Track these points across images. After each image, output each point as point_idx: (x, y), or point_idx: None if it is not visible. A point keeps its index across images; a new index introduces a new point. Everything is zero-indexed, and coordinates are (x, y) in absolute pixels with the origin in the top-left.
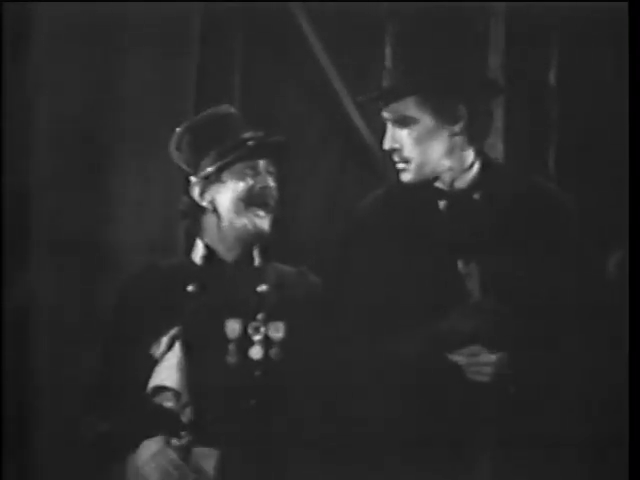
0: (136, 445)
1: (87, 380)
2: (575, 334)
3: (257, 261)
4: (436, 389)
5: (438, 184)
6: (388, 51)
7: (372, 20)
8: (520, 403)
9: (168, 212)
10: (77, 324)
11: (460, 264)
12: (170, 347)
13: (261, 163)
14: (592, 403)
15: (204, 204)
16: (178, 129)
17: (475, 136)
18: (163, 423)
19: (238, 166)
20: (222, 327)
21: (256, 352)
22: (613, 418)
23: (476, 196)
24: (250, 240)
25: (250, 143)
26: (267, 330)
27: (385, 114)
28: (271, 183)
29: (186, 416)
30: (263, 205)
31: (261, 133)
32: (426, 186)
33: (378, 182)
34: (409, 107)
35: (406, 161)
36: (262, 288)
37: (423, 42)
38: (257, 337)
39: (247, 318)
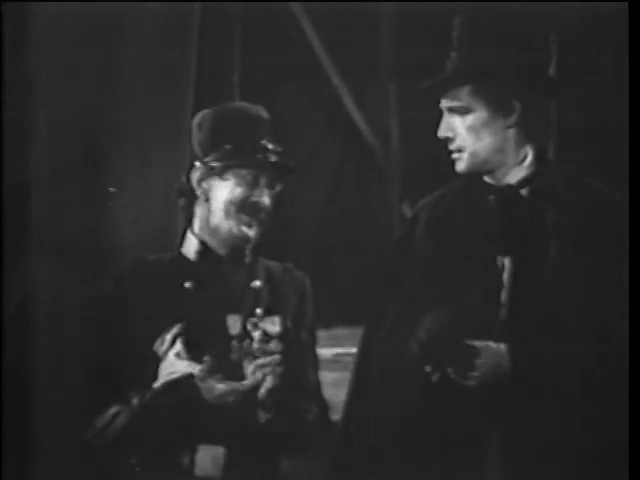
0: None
1: (87, 379)
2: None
3: (248, 257)
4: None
5: (488, 178)
6: (454, 38)
7: (370, 16)
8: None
9: (166, 209)
10: (76, 320)
11: (498, 258)
12: (172, 344)
13: (264, 177)
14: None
15: (198, 192)
16: (204, 111)
17: (529, 132)
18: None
19: (243, 170)
20: (224, 323)
21: (255, 348)
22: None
23: (524, 192)
24: (235, 243)
25: (262, 156)
26: (264, 325)
27: (442, 102)
28: (266, 200)
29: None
30: (253, 217)
31: (279, 148)
32: (476, 180)
33: (378, 178)
34: (464, 96)
35: (459, 150)
36: (256, 284)
37: (487, 35)
38: (256, 333)
39: (245, 314)
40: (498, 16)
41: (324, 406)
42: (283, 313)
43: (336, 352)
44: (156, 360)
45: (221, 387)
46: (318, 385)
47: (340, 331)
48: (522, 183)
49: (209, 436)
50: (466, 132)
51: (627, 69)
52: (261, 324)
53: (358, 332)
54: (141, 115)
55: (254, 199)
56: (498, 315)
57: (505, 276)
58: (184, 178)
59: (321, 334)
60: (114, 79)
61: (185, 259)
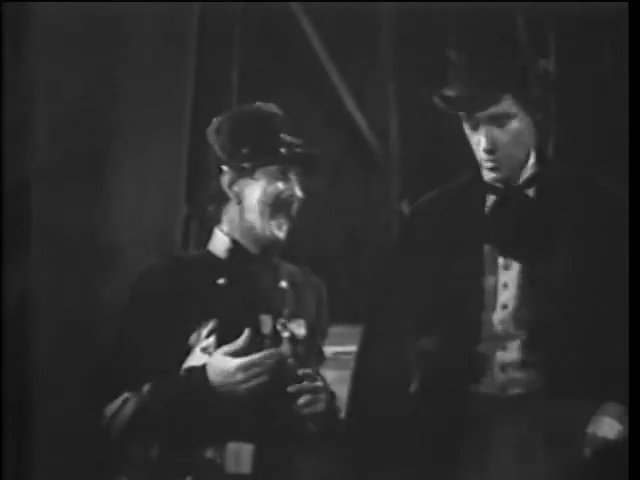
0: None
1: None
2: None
3: (275, 258)
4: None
5: (490, 179)
6: (452, 55)
7: (370, 16)
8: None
9: (166, 207)
10: (76, 317)
11: (500, 259)
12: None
13: (292, 169)
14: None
15: (230, 195)
16: (222, 115)
17: (534, 131)
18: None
19: (271, 167)
20: (257, 322)
21: (285, 349)
22: None
23: (529, 192)
24: (267, 243)
25: (286, 150)
26: (292, 327)
27: (479, 115)
28: (298, 192)
29: None
30: (286, 213)
31: (299, 140)
32: (477, 180)
33: (377, 177)
34: (507, 104)
35: (498, 161)
36: (283, 284)
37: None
38: (285, 334)
39: (275, 314)
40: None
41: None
42: (306, 316)
43: (335, 350)
44: (183, 353)
45: (233, 362)
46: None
47: (339, 329)
48: (528, 183)
49: (235, 431)
50: (508, 141)
51: (627, 69)
52: (289, 326)
53: (357, 330)
54: (140, 114)
55: (287, 193)
56: (497, 317)
57: (508, 276)
58: (213, 182)
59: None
60: (113, 79)
61: (215, 257)
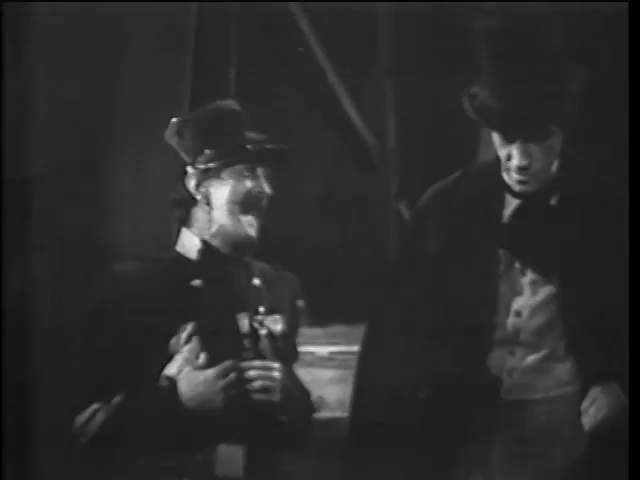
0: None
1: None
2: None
3: (247, 256)
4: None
5: (511, 182)
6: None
7: (367, 15)
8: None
9: (165, 207)
10: (75, 317)
11: (517, 264)
12: (187, 343)
13: (260, 167)
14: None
15: (198, 197)
16: (181, 117)
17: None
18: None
19: (238, 166)
20: (235, 322)
21: (264, 346)
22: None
23: (553, 201)
24: (239, 243)
25: (253, 147)
26: (268, 324)
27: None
28: (267, 189)
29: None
30: (255, 211)
31: (264, 136)
32: (497, 183)
33: (373, 176)
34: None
35: (532, 174)
36: (256, 282)
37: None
38: (263, 331)
39: (251, 312)
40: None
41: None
42: (281, 312)
43: (332, 350)
44: (162, 359)
45: (208, 373)
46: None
47: (336, 329)
48: (551, 191)
49: (223, 434)
50: (541, 157)
51: (627, 69)
52: (265, 322)
53: (354, 330)
54: (138, 113)
55: (256, 190)
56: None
57: (524, 283)
58: (180, 186)
59: (317, 332)
60: (112, 78)
61: (185, 258)
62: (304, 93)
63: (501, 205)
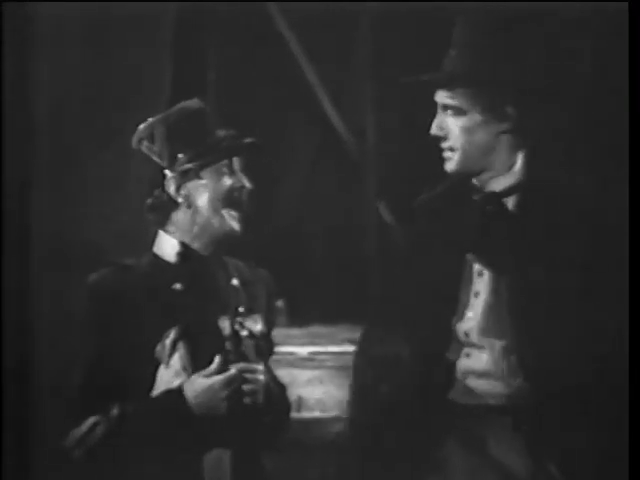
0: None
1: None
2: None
3: (225, 254)
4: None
5: (474, 181)
6: (456, 37)
7: (346, 15)
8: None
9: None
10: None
11: (476, 265)
12: (173, 349)
13: (236, 162)
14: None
15: (179, 200)
16: (148, 120)
17: (521, 139)
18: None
19: (215, 165)
20: (217, 325)
21: (245, 347)
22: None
23: (506, 201)
24: (222, 239)
25: (226, 144)
26: (249, 325)
27: (437, 96)
28: (247, 183)
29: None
30: (237, 205)
31: (233, 131)
32: (465, 181)
33: (354, 177)
34: (461, 98)
35: (451, 149)
36: (234, 282)
37: (488, 40)
38: (244, 332)
39: (231, 313)
40: (498, 17)
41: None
42: (260, 311)
43: (311, 350)
44: (150, 366)
45: (213, 380)
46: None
47: (316, 329)
48: (508, 191)
49: (212, 441)
50: (459, 132)
51: (627, 69)
52: (246, 323)
53: (334, 330)
54: (120, 115)
55: (237, 186)
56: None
57: (481, 285)
58: (158, 191)
59: (296, 332)
60: (103, 79)
61: (164, 261)
62: (283, 93)
63: (469, 210)
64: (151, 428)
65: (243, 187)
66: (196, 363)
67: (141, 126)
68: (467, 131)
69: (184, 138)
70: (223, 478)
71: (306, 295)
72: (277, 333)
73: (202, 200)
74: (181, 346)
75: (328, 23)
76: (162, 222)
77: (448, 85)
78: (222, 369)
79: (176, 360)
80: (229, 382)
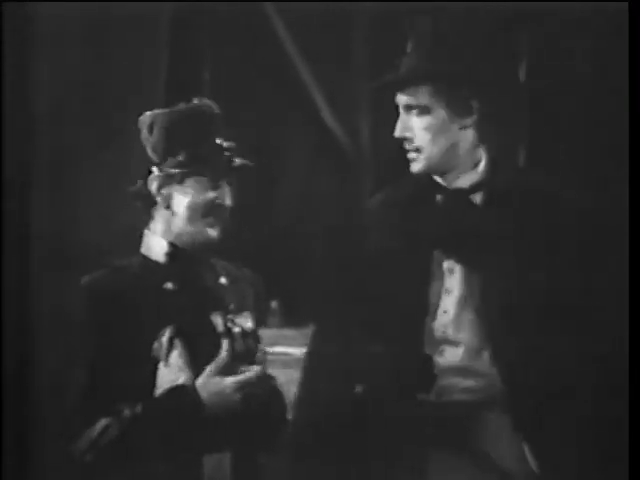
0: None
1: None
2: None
3: (211, 257)
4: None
5: (439, 179)
6: (411, 39)
7: (342, 16)
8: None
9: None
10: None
11: (445, 262)
12: (171, 347)
13: (224, 179)
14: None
15: (158, 199)
16: (155, 110)
17: (486, 134)
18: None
19: (202, 177)
20: (210, 322)
21: (239, 345)
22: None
23: (473, 197)
24: (200, 246)
25: (219, 161)
26: (240, 322)
27: (398, 100)
28: (228, 201)
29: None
30: (216, 217)
31: (232, 144)
32: (425, 180)
33: (350, 178)
34: (423, 96)
35: (417, 150)
36: (223, 280)
37: (442, 36)
38: (236, 329)
39: (223, 311)
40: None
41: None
42: (249, 308)
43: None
44: (149, 365)
45: (228, 382)
46: None
47: (311, 330)
48: (474, 188)
49: (213, 443)
50: (424, 132)
51: (627, 69)
52: (237, 321)
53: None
54: (120, 115)
55: (218, 201)
56: (438, 322)
57: (452, 281)
58: (141, 182)
59: (292, 333)
60: (102, 79)
61: (153, 261)
62: (280, 94)
63: (432, 207)
64: (164, 428)
65: (223, 204)
66: (195, 359)
67: (146, 113)
68: (432, 130)
69: (182, 138)
70: (222, 479)
71: (302, 296)
72: (272, 334)
73: (181, 206)
74: (178, 343)
75: (324, 23)
76: (146, 220)
77: (410, 84)
78: (229, 367)
79: (175, 357)
80: (243, 385)
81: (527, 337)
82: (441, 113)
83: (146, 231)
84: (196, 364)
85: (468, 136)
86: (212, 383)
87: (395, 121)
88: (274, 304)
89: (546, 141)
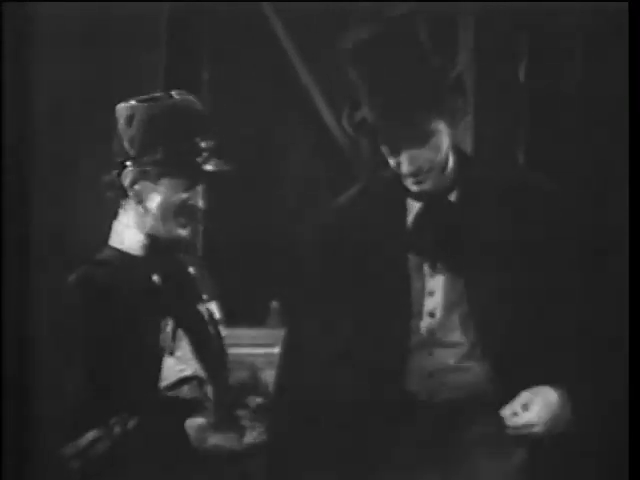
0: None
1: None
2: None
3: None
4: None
5: (413, 185)
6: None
7: (340, 16)
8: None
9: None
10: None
11: (425, 267)
12: (174, 338)
13: (199, 184)
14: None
15: (130, 193)
16: (131, 101)
17: (453, 136)
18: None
19: (177, 179)
20: (198, 311)
21: (215, 335)
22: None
23: (451, 197)
24: (170, 245)
25: (196, 164)
26: (214, 310)
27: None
28: (201, 204)
29: (210, 403)
30: (188, 218)
31: (212, 142)
32: (397, 184)
33: (348, 178)
34: (425, 121)
35: (425, 174)
36: (192, 271)
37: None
38: (216, 317)
39: (201, 301)
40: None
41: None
42: (215, 299)
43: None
44: (151, 358)
45: (216, 439)
46: None
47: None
48: (448, 187)
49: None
50: (429, 157)
51: (627, 69)
52: (212, 309)
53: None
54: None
55: (190, 202)
56: (424, 325)
57: (434, 283)
58: (115, 173)
59: None
60: (100, 79)
61: (129, 255)
62: (278, 93)
63: (404, 211)
64: (156, 444)
65: (196, 206)
66: (199, 349)
67: (124, 104)
68: (435, 149)
69: (161, 135)
70: None
71: (300, 295)
72: (271, 334)
73: (153, 203)
74: (182, 334)
75: (323, 23)
76: (115, 211)
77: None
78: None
79: (183, 347)
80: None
81: (518, 337)
82: (443, 129)
83: (115, 223)
84: (200, 353)
85: (437, 137)
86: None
87: None
88: (273, 305)
89: (545, 141)
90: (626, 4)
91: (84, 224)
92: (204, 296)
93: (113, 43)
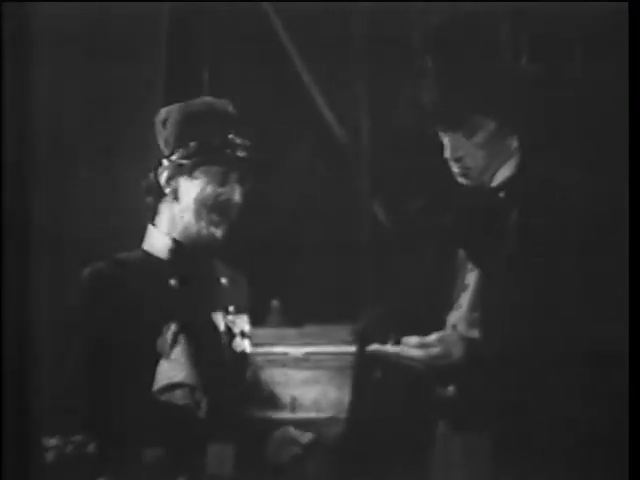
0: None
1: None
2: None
3: (213, 256)
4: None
5: (465, 180)
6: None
7: (341, 15)
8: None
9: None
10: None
11: (469, 260)
12: (174, 342)
13: (234, 173)
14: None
15: (167, 190)
16: (170, 106)
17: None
18: (176, 421)
19: (212, 169)
20: (212, 321)
21: (238, 345)
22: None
23: (501, 194)
24: (203, 243)
25: (231, 152)
26: (240, 323)
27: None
28: (236, 197)
29: (202, 411)
30: (222, 213)
31: (247, 143)
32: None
33: (348, 176)
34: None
35: (467, 168)
36: (223, 281)
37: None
38: (236, 329)
39: (223, 311)
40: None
41: None
42: (246, 311)
43: (306, 351)
44: (149, 359)
45: None
46: None
47: (310, 329)
48: (501, 185)
49: (215, 436)
50: (475, 152)
51: (627, 69)
52: (237, 322)
53: (328, 330)
54: (109, 115)
55: (225, 197)
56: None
57: (471, 278)
58: (152, 175)
59: (291, 333)
60: (103, 79)
61: (155, 257)
62: (278, 93)
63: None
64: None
65: (231, 200)
66: (197, 357)
67: (162, 109)
68: (482, 146)
69: (194, 133)
70: (226, 471)
71: (300, 295)
72: (271, 333)
73: (188, 198)
74: (182, 339)
75: (323, 22)
76: (153, 216)
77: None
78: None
79: (178, 353)
80: None
81: (531, 335)
82: (491, 126)
83: (150, 227)
84: (198, 361)
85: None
86: None
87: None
88: (274, 304)
89: (545, 141)
90: (626, 4)
91: (84, 224)
92: (230, 307)
93: (113, 43)
